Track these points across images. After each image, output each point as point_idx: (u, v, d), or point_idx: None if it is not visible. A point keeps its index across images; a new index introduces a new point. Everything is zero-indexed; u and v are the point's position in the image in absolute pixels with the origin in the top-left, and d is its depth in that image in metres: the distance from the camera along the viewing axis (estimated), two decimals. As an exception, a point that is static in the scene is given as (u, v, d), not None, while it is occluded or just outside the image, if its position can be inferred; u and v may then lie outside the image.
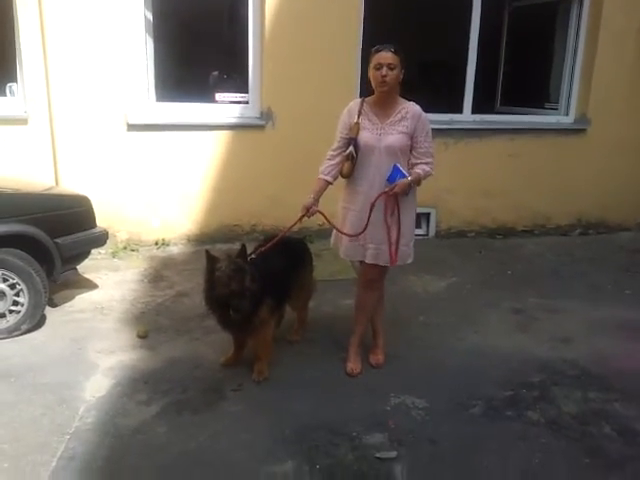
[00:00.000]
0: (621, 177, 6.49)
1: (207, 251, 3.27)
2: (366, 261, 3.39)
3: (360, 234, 3.30)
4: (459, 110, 6.24)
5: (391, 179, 3.21)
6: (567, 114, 6.45)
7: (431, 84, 6.27)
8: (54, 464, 2.67)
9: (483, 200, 6.29)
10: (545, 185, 6.38)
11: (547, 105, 6.76)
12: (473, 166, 6.15)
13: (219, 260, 3.20)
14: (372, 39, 5.22)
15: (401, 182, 3.18)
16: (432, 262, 5.30)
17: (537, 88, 7.04)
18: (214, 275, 3.16)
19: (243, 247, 3.25)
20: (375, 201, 3.22)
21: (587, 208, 6.55)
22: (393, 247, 3.29)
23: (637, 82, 6.24)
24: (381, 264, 3.36)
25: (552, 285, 5.09)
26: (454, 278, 5.14)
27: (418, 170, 3.25)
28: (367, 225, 3.24)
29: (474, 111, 6.29)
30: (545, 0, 6.70)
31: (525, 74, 7.20)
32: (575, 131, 6.38)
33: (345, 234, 3.39)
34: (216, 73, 7.63)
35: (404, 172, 3.21)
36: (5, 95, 5.38)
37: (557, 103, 6.57)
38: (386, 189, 3.21)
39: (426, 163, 3.27)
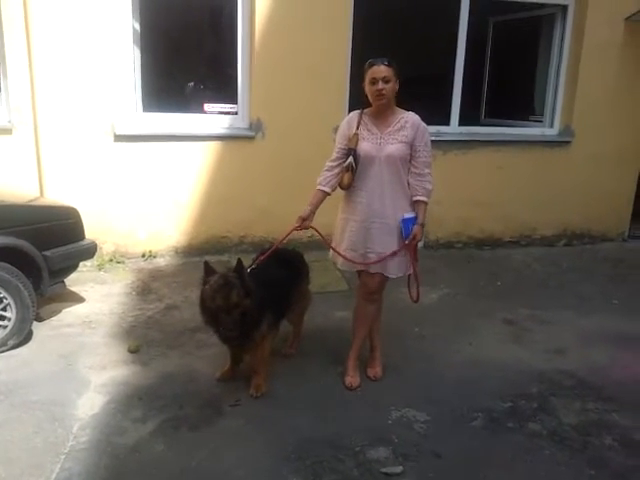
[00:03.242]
0: (604, 188, 6.59)
1: (206, 262, 3.22)
2: (370, 271, 3.36)
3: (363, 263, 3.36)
4: (446, 122, 6.29)
5: (406, 232, 3.27)
6: (552, 126, 6.54)
7: (418, 96, 6.31)
8: (50, 486, 2.58)
9: (470, 211, 6.33)
10: (531, 196, 6.45)
11: (532, 117, 6.85)
12: (460, 177, 6.19)
13: (213, 273, 3.15)
14: (361, 51, 5.24)
15: (417, 230, 3.26)
16: (423, 273, 5.20)
17: (522, 100, 7.14)
18: (204, 288, 3.13)
19: (239, 261, 3.17)
20: (398, 251, 3.29)
21: (572, 219, 6.64)
22: (417, 288, 3.46)
23: (620, 94, 6.37)
24: (385, 274, 3.35)
25: (541, 296, 5.12)
26: (445, 289, 5.15)
27: (421, 197, 3.28)
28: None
29: (461, 123, 6.35)
30: (528, 14, 6.79)
31: (509, 87, 7.29)
32: (559, 143, 6.47)
33: (339, 253, 3.41)
34: (192, 84, 7.62)
35: (411, 215, 3.27)
36: (-12, 104, 5.27)
37: (542, 115, 6.67)
38: (407, 242, 3.27)
39: (425, 177, 3.28)
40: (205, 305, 3.14)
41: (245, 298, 3.07)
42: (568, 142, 6.46)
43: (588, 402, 3.39)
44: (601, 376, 3.70)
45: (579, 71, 6.27)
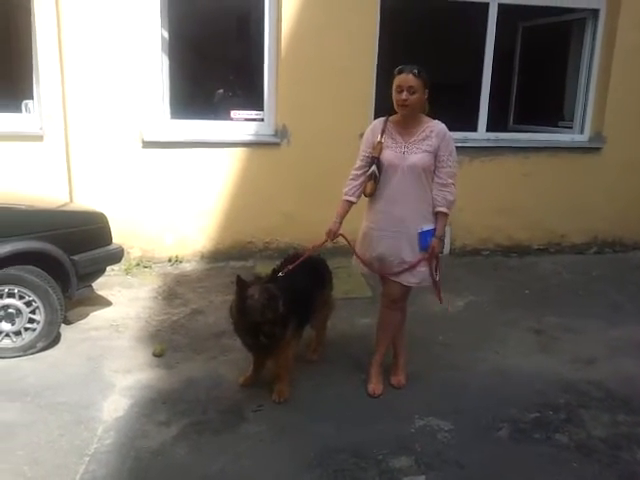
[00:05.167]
0: (636, 195, 6.44)
1: (238, 277, 3.20)
2: (390, 278, 3.34)
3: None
4: (474, 128, 6.23)
5: (424, 245, 3.23)
6: (582, 132, 6.42)
7: (446, 102, 6.28)
8: (74, 487, 2.61)
9: (498, 218, 6.24)
10: (560, 203, 6.33)
11: (561, 123, 6.74)
12: (488, 184, 6.12)
13: (250, 287, 3.15)
14: (388, 58, 5.24)
15: (434, 243, 3.23)
16: (448, 281, 5.15)
17: (551, 106, 7.03)
18: (246, 302, 3.11)
19: (274, 272, 3.23)
20: (417, 264, 3.25)
21: (603, 226, 6.50)
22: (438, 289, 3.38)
23: (653, 100, 6.23)
24: (404, 284, 3.31)
25: (570, 304, 5.01)
26: (471, 297, 5.08)
27: (441, 209, 3.22)
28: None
29: (488, 129, 6.28)
30: (557, 19, 6.70)
31: (538, 92, 7.19)
32: (590, 149, 6.35)
33: (362, 260, 3.41)
34: (221, 91, 7.69)
35: (430, 228, 3.24)
36: (21, 112, 5.39)
37: (571, 121, 6.55)
38: (426, 256, 3.24)
39: (448, 188, 3.22)
40: (248, 319, 3.12)
41: (284, 306, 3.13)
42: (599, 149, 6.33)
43: (618, 414, 3.30)
44: (632, 387, 3.60)
45: (610, 76, 6.15)
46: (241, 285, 3.16)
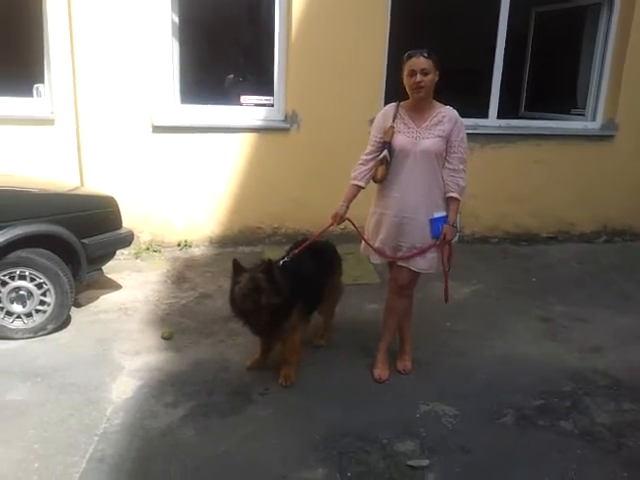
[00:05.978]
0: (648, 184, 6.39)
1: (235, 260, 3.25)
2: (398, 263, 3.35)
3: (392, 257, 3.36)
4: (485, 115, 6.19)
5: (436, 232, 3.24)
6: (594, 120, 6.36)
7: (456, 88, 6.22)
8: (84, 465, 2.65)
9: (507, 206, 6.22)
10: (570, 191, 6.30)
11: (573, 111, 6.67)
12: (498, 171, 6.09)
13: (242, 273, 3.18)
14: (398, 44, 5.20)
15: (446, 230, 3.23)
16: (456, 268, 5.09)
17: (563, 93, 6.96)
18: (233, 288, 3.18)
19: (269, 262, 3.20)
20: (427, 249, 3.25)
21: (613, 215, 6.46)
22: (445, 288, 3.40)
23: (667, 88, 6.14)
24: (412, 269, 3.32)
25: (578, 293, 5.00)
26: (479, 284, 5.08)
27: (453, 194, 3.23)
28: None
29: (499, 116, 6.24)
30: (572, 5, 6.61)
31: (551, 79, 7.11)
32: (602, 137, 6.29)
33: (371, 246, 3.41)
34: (231, 76, 7.67)
35: (441, 215, 3.24)
36: (32, 96, 5.41)
37: (584, 109, 6.49)
38: (437, 242, 3.24)
39: (459, 174, 3.23)
40: (235, 306, 3.21)
41: (274, 297, 3.11)
42: (611, 136, 6.27)
43: (623, 402, 3.30)
44: (638, 376, 3.59)
45: (625, 63, 6.07)
46: (236, 269, 3.21)
